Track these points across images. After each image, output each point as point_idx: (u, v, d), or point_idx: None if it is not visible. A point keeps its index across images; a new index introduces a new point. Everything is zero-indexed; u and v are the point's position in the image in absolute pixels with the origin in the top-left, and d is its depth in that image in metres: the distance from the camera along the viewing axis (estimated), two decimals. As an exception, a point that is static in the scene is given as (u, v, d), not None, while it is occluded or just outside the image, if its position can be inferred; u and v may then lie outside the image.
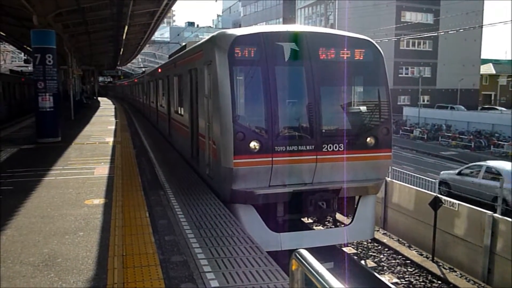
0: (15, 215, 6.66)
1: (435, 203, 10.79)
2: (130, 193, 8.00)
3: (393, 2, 51.40)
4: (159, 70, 18.67)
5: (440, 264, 10.62)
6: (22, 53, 48.23)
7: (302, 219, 10.17)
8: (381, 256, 11.30)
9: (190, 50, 10.95)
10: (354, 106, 8.73)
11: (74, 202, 7.41)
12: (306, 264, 2.50)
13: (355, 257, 10.95)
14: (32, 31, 14.50)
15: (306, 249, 2.72)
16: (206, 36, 9.86)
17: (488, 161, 17.10)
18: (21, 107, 31.24)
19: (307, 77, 7.85)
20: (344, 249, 11.11)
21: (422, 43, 55.62)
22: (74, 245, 5.44)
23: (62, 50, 23.06)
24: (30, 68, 37.29)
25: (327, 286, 2.23)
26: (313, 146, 7.75)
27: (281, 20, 62.07)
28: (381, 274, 10.13)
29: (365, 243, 11.94)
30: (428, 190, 12.30)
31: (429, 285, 9.82)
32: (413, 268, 10.57)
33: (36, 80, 14.41)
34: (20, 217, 6.56)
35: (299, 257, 2.61)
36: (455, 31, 35.62)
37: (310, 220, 11.87)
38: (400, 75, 54.08)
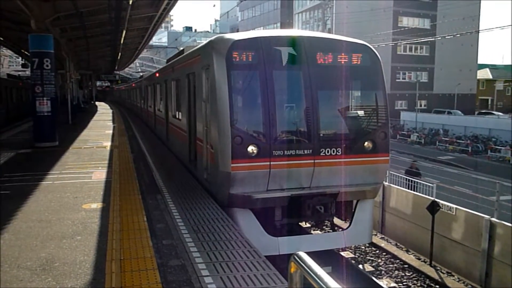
0: (13, 219, 6.64)
1: (433, 208, 10.81)
2: (128, 197, 7.99)
3: (390, 8, 51.65)
4: (157, 74, 18.67)
5: (438, 268, 10.62)
6: (20, 58, 48.13)
7: (300, 223, 10.16)
8: (379, 260, 11.30)
9: (188, 54, 10.97)
10: (351, 110, 8.75)
11: (71, 206, 7.40)
12: (305, 267, 2.50)
13: (353, 262, 10.94)
14: (30, 36, 14.50)
15: None
16: (204, 41, 9.88)
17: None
18: (19, 111, 31.18)
19: (304, 82, 7.87)
20: (342, 253, 11.12)
21: (419, 48, 55.84)
22: (72, 249, 5.42)
23: (60, 55, 23.04)
24: (27, 72, 37.21)
25: (326, 288, 2.24)
26: (311, 150, 7.76)
27: (278, 25, 62.28)
28: (379, 278, 10.13)
29: (363, 247, 11.94)
30: (425, 194, 12.30)
31: (427, 289, 9.82)
32: (411, 273, 10.56)
33: (33, 84, 14.39)
34: (17, 222, 6.54)
35: (298, 259, 2.61)
36: (452, 36, 35.80)
37: (308, 225, 11.86)
38: (397, 80, 54.26)
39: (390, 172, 13.47)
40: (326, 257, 8.93)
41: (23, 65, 42.76)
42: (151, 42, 44.95)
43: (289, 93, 8.12)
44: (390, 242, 12.39)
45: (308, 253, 2.77)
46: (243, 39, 7.81)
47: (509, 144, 31.70)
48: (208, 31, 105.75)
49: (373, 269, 10.72)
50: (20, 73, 45.30)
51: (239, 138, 7.37)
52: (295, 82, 8.01)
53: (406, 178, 13.58)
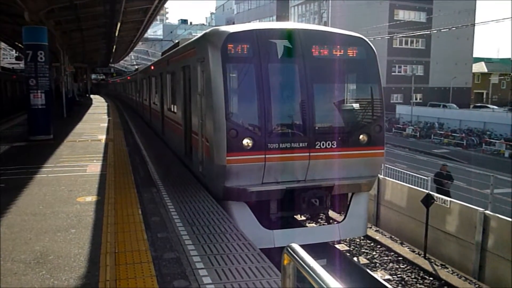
0: (7, 212, 6.61)
1: (427, 200, 10.85)
2: (123, 190, 7.97)
3: (386, 1, 51.55)
4: (152, 67, 18.59)
5: (432, 260, 10.69)
6: (14, 50, 47.78)
7: (295, 216, 10.18)
8: (374, 253, 11.36)
9: (183, 47, 10.91)
10: (347, 103, 8.75)
11: (66, 199, 7.37)
12: (298, 259, 2.51)
13: (348, 254, 10.99)
14: (23, 28, 14.36)
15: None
16: (199, 34, 9.83)
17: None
18: (13, 104, 30.98)
19: (300, 75, 7.85)
20: (337, 246, 11.16)
21: (415, 42, 55.86)
22: (66, 243, 5.41)
23: (54, 47, 22.86)
24: (21, 65, 36.98)
25: (319, 280, 2.24)
26: (306, 144, 7.76)
27: (274, 17, 62.01)
28: (374, 270, 10.18)
29: (357, 240, 11.99)
30: (420, 187, 12.36)
31: (421, 281, 9.88)
32: (405, 265, 10.63)
33: (27, 77, 14.29)
34: (11, 215, 6.51)
35: (291, 251, 2.61)
36: (447, 30, 35.81)
37: (303, 217, 11.89)
38: (393, 73, 54.29)
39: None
40: (321, 250, 8.97)
41: (17, 58, 42.51)
42: (146, 35, 44.63)
43: (284, 86, 8.10)
44: (385, 235, 12.44)
45: (303, 246, 2.77)
46: (238, 32, 7.78)
47: (503, 138, 31.84)
48: (203, 24, 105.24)
49: (367, 261, 10.78)
50: (14, 66, 45.03)
51: (234, 131, 7.36)
52: (290, 75, 8.00)
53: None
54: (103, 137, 15.47)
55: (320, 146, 7.84)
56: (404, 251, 11.29)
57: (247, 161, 7.46)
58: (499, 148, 30.13)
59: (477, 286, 9.59)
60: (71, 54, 30.48)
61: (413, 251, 11.28)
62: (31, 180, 8.76)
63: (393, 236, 12.32)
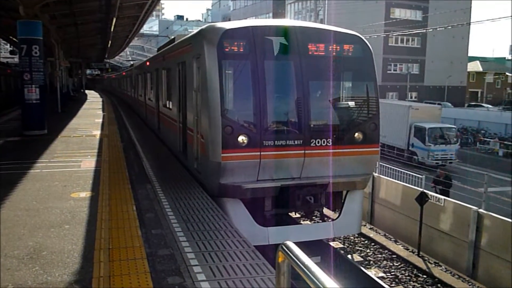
0: (0, 207, 6.56)
1: (421, 199, 10.90)
2: (117, 186, 7.94)
3: (382, -1, 51.60)
4: (148, 63, 18.52)
5: (426, 258, 10.75)
6: (8, 44, 47.43)
7: (289, 213, 10.19)
8: (368, 250, 11.40)
9: (179, 43, 10.87)
10: (342, 101, 8.75)
11: (60, 195, 7.33)
12: (293, 256, 2.50)
13: (342, 252, 11.02)
14: (18, 22, 14.25)
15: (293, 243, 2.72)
16: (195, 30, 9.79)
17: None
18: (8, 99, 30.77)
19: (296, 72, 7.84)
20: (331, 243, 11.18)
21: (410, 40, 55.95)
22: (60, 238, 5.38)
23: (49, 42, 22.74)
24: (16, 59, 36.73)
25: (313, 278, 2.24)
26: (301, 141, 7.76)
27: (271, 14, 61.97)
28: (368, 268, 10.22)
29: (352, 237, 12.03)
30: (414, 186, 12.40)
31: (415, 279, 9.94)
32: (399, 263, 10.68)
33: (22, 71, 14.20)
34: (4, 210, 6.47)
35: (286, 249, 2.61)
36: (443, 28, 35.90)
37: (297, 215, 11.91)
38: (388, 72, 54.37)
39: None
40: (315, 247, 8.98)
41: (11, 52, 42.23)
42: (142, 31, 44.48)
43: (280, 83, 8.08)
44: (379, 233, 12.49)
45: (298, 243, 2.76)
46: (235, 28, 7.75)
47: (498, 136, 32.00)
48: (199, 20, 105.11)
49: (361, 259, 10.82)
50: (8, 60, 44.75)
51: (230, 128, 7.34)
52: (286, 72, 7.98)
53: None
54: (97, 132, 15.40)
55: (315, 143, 7.84)
56: (398, 249, 11.34)
57: (242, 158, 7.45)
58: (493, 147, 30.30)
59: (470, 284, 9.65)
60: (66, 49, 30.32)
61: (407, 249, 11.34)
62: (25, 175, 8.70)
63: (387, 234, 12.37)
